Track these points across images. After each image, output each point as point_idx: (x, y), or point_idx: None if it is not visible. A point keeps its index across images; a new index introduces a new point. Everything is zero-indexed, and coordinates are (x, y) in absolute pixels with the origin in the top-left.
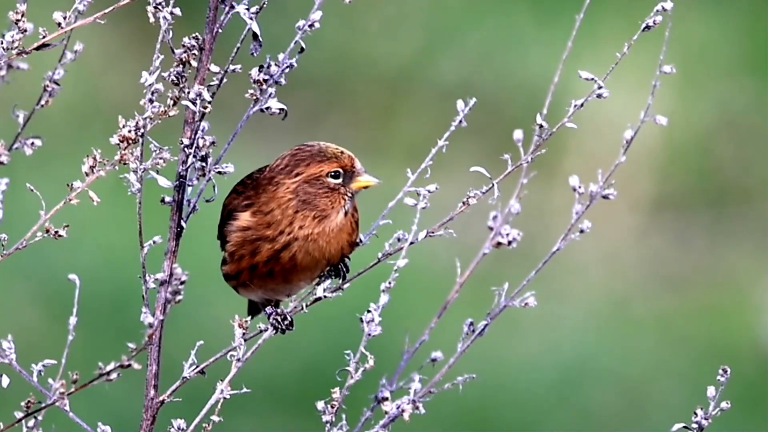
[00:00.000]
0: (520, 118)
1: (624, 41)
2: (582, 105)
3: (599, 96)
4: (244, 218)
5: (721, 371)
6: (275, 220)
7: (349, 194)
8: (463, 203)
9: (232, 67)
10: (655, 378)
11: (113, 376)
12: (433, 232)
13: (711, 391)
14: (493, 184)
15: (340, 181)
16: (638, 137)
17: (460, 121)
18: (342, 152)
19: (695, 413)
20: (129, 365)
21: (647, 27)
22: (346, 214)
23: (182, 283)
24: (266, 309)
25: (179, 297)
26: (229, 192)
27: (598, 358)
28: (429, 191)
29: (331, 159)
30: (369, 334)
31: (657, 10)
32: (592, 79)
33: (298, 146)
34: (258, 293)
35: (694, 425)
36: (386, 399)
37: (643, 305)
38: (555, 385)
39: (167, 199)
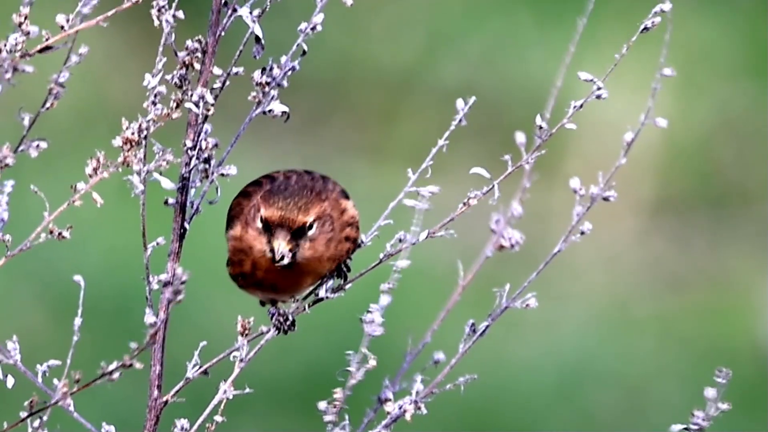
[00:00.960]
0: (521, 121)
1: (626, 48)
2: (581, 106)
3: (598, 97)
4: (238, 229)
5: (717, 372)
6: (245, 236)
7: (266, 248)
8: (464, 204)
9: (234, 69)
10: (656, 379)
11: (115, 375)
12: (434, 233)
13: (711, 392)
14: (493, 185)
15: (261, 228)
16: (639, 140)
17: (460, 120)
18: (274, 207)
19: (694, 415)
20: (131, 365)
21: (645, 28)
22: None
23: (183, 282)
24: (269, 310)
25: (180, 297)
26: (240, 190)
27: (598, 359)
28: (431, 192)
29: (266, 205)
30: (370, 335)
31: (655, 12)
32: (591, 80)
33: (287, 179)
34: (259, 295)
35: (693, 426)
36: (389, 399)
37: (644, 307)
38: (556, 386)
39: (170, 200)
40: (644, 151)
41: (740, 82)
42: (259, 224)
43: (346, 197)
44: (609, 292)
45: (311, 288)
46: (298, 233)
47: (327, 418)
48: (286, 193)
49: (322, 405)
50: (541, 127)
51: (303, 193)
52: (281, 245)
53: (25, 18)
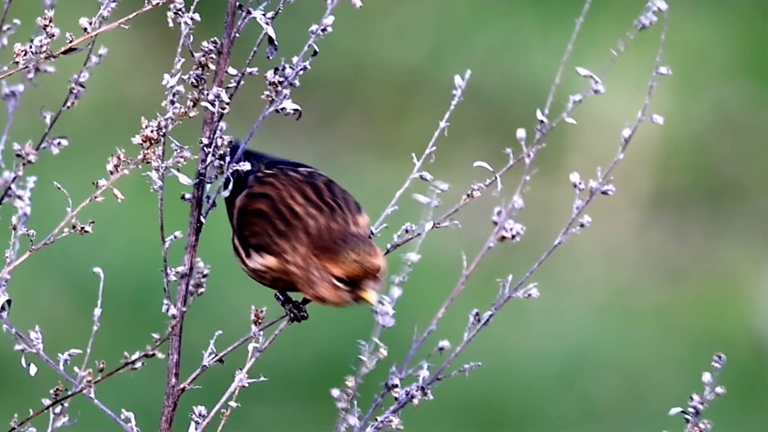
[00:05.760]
0: (524, 119)
1: (624, 45)
2: (581, 100)
3: (596, 91)
4: (271, 261)
5: (716, 357)
6: (291, 274)
7: (350, 299)
8: (468, 195)
9: (249, 69)
10: (654, 366)
11: (138, 365)
12: (439, 224)
13: (707, 377)
14: (495, 177)
15: (342, 286)
16: (638, 136)
17: (459, 107)
18: (351, 261)
19: (692, 398)
20: (153, 354)
21: (643, 26)
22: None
23: (204, 276)
24: (282, 301)
25: (201, 290)
26: (248, 182)
27: (599, 347)
28: (441, 189)
29: (338, 264)
30: (382, 326)
31: (652, 11)
32: (590, 75)
33: (337, 224)
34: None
35: (691, 410)
36: (396, 386)
37: (643, 297)
38: (558, 373)
39: (187, 195)
40: (643, 146)
41: (736, 80)
42: (338, 283)
43: (358, 207)
44: (609, 282)
45: None
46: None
47: (340, 405)
48: (351, 246)
49: (335, 392)
50: (542, 122)
51: (363, 243)
52: (375, 296)
53: (50, 21)
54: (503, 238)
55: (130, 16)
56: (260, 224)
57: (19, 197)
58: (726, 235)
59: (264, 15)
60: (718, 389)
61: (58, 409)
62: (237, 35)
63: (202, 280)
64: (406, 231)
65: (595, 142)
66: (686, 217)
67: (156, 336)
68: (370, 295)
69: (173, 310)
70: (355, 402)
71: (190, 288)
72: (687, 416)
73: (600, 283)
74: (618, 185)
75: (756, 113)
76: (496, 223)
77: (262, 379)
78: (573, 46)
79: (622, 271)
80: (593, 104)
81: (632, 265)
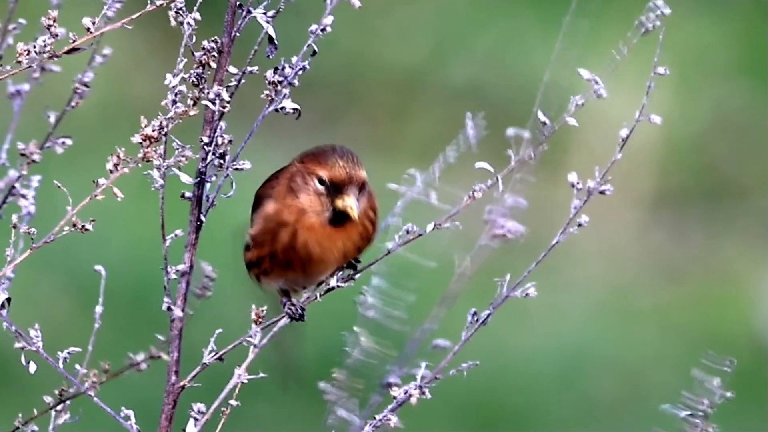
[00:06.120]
0: (524, 118)
1: (625, 46)
2: (583, 103)
3: (598, 96)
4: (270, 206)
5: (727, 362)
6: (287, 207)
7: (329, 207)
8: (469, 197)
9: (249, 68)
10: (654, 365)
11: (143, 366)
12: (440, 225)
13: (717, 381)
14: (497, 179)
15: (323, 189)
16: (638, 136)
17: (469, 133)
18: (337, 165)
19: (702, 402)
20: (159, 356)
21: (646, 30)
22: (330, 221)
23: (212, 280)
24: (281, 300)
25: (209, 293)
26: (264, 180)
27: (599, 347)
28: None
29: (324, 166)
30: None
31: (656, 15)
32: (593, 79)
33: (320, 146)
34: (279, 282)
35: (700, 413)
36: (395, 384)
37: (643, 296)
38: (557, 372)
39: (187, 194)
40: (643, 146)
41: (735, 81)
42: (319, 186)
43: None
44: (609, 282)
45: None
46: (360, 190)
47: (328, 397)
48: (339, 153)
49: (322, 385)
50: (544, 123)
51: (351, 154)
52: (354, 201)
53: (54, 21)
54: (501, 236)
55: (134, 17)
56: (268, 184)
57: (23, 196)
58: (726, 235)
59: (264, 14)
60: (728, 393)
61: (59, 407)
62: (237, 34)
63: (210, 283)
64: (407, 232)
65: (596, 141)
66: (686, 216)
67: (161, 338)
68: (351, 200)
69: (178, 312)
70: (356, 400)
71: (197, 291)
72: (696, 420)
73: (600, 282)
74: (618, 185)
75: (755, 113)
76: (486, 221)
77: (261, 375)
78: (574, 46)
79: (622, 270)
80: (594, 103)
81: (632, 265)
